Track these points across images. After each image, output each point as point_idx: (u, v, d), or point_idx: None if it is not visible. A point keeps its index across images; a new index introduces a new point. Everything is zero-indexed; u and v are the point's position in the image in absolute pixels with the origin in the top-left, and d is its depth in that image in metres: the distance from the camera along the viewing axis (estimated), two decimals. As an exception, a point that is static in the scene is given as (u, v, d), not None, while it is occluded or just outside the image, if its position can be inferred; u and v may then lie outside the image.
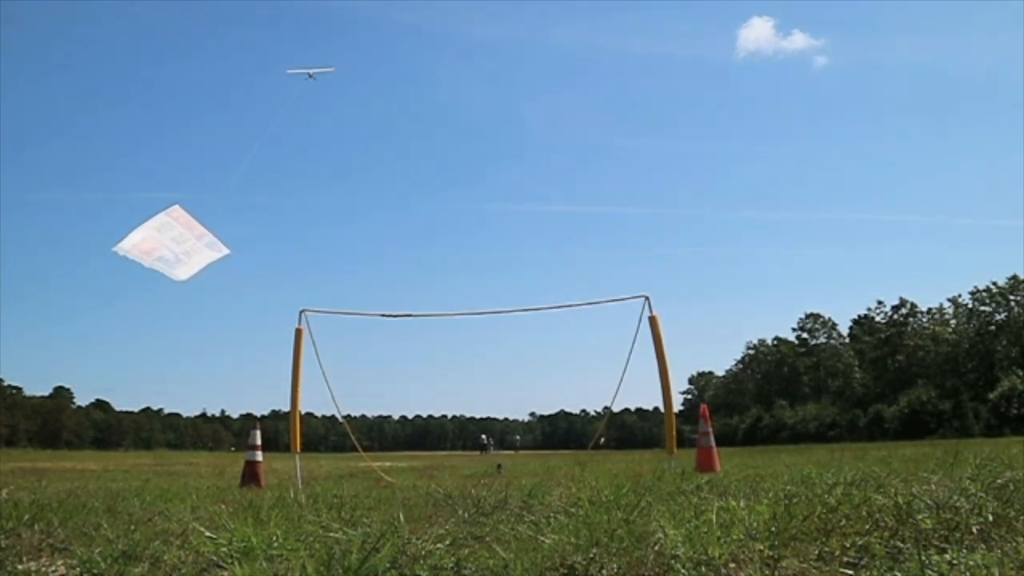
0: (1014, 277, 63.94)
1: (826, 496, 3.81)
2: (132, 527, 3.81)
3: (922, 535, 2.78)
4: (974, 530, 2.79)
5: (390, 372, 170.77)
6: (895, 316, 74.36)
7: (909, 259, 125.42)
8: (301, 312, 9.04)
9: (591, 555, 2.65)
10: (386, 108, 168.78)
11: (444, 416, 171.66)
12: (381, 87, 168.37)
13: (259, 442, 9.30)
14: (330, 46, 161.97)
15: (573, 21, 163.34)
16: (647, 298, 9.03)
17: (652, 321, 8.89)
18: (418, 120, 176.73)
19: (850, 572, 2.40)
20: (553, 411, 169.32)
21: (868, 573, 2.38)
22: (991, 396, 54.66)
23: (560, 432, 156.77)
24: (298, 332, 8.88)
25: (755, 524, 3.06)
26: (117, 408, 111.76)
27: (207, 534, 3.28)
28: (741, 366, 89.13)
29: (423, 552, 2.84)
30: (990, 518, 2.93)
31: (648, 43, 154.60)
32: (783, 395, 75.83)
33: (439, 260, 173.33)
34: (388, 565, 2.60)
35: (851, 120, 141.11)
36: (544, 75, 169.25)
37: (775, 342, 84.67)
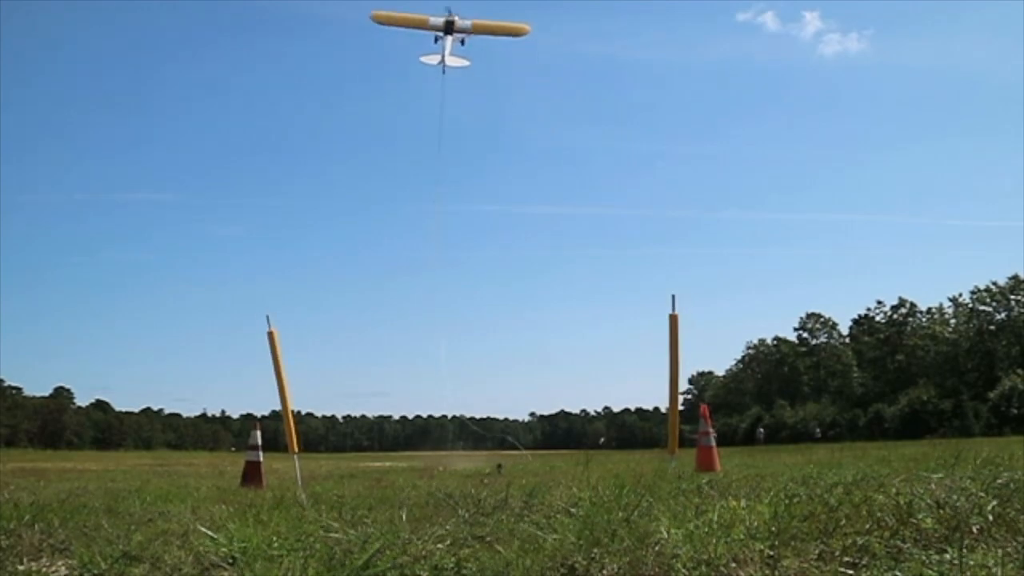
0: (1015, 277, 64.03)
1: (826, 496, 3.80)
2: (132, 527, 3.81)
3: (922, 535, 2.77)
4: (974, 530, 2.79)
5: (390, 372, 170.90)
6: (895, 316, 74.37)
7: (909, 259, 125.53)
8: (267, 317, 8.87)
9: (592, 555, 2.65)
10: (385, 108, 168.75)
11: (444, 416, 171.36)
12: (380, 89, 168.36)
13: (259, 442, 9.31)
14: (317, 49, 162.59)
15: (568, 21, 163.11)
16: (673, 296, 9.00)
17: (672, 320, 8.90)
18: (416, 121, 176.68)
19: (850, 572, 2.40)
20: (553, 411, 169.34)
21: (868, 573, 2.38)
22: (991, 396, 54.68)
23: (560, 432, 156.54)
24: (271, 335, 8.84)
25: (756, 524, 3.05)
26: (117, 408, 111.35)
27: (208, 534, 3.28)
28: (741, 366, 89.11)
29: (424, 552, 2.84)
30: (990, 518, 2.93)
31: (648, 43, 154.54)
32: (783, 395, 75.81)
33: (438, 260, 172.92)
34: (389, 565, 2.60)
35: (851, 120, 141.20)
36: (539, 78, 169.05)
37: (775, 342, 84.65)
